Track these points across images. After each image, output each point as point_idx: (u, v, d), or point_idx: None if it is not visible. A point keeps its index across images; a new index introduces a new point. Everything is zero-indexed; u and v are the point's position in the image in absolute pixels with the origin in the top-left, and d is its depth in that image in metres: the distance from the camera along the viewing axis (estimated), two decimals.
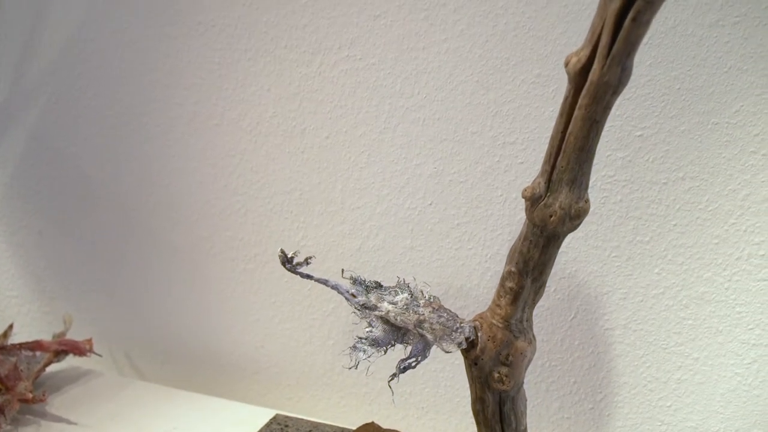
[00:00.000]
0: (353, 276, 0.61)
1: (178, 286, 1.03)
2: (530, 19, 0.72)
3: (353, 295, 0.61)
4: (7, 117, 1.06)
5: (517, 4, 0.71)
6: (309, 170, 0.88)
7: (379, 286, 0.63)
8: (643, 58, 0.68)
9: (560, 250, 0.76)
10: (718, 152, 0.68)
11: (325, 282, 0.61)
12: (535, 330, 0.80)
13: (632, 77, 0.68)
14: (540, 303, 0.79)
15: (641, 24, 0.43)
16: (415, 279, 0.82)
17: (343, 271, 0.59)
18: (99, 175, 1.03)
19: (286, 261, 0.60)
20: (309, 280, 0.63)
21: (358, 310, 0.61)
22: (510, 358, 0.60)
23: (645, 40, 0.67)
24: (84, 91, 0.99)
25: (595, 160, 0.72)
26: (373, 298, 0.61)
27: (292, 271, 0.60)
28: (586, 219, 0.74)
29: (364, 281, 0.62)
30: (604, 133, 0.70)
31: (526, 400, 0.64)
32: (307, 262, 0.60)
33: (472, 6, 0.74)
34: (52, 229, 1.10)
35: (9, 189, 1.10)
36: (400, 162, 0.82)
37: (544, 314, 0.80)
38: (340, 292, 0.61)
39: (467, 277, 0.83)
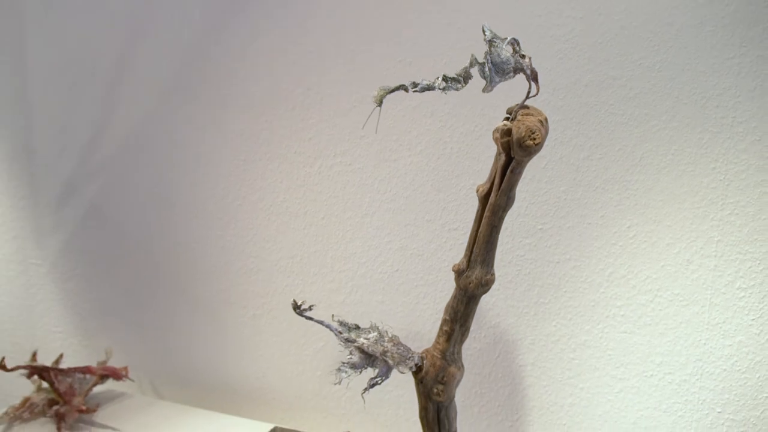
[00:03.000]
0: (340, 320, 0.87)
1: (198, 326, 1.27)
2: (468, 145, 1.01)
3: (340, 332, 0.87)
4: (72, 189, 1.32)
5: (459, 136, 1.01)
6: (308, 242, 1.15)
7: (357, 327, 0.89)
8: (543, 177, 0.97)
9: (487, 307, 1.03)
10: (591, 242, 0.96)
11: (321, 322, 0.87)
12: (469, 366, 1.06)
13: (535, 191, 0.98)
14: (473, 345, 1.06)
15: (516, 174, 0.72)
16: (382, 323, 1.08)
17: (333, 315, 0.85)
18: (141, 238, 1.29)
19: (297, 307, 0.86)
20: (309, 322, 0.89)
21: (343, 342, 0.87)
22: (445, 378, 0.86)
23: (542, 165, 0.97)
24: (135, 171, 1.26)
25: (510, 244, 1.01)
26: (353, 334, 0.87)
27: (300, 314, 0.86)
28: (506, 285, 1.02)
29: (348, 323, 0.88)
30: (518, 225, 0.99)
31: (456, 410, 0.89)
32: (310, 308, 0.86)
33: (428, 134, 1.03)
34: (98, 279, 1.35)
35: (68, 245, 1.35)
36: (375, 239, 1.10)
37: (476, 354, 1.06)
38: (331, 330, 0.87)
39: (422, 324, 1.09)
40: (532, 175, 0.97)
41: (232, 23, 1.15)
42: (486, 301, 1.03)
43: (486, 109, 0.99)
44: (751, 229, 0.88)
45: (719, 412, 0.93)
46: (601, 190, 0.95)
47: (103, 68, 1.26)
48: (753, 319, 0.89)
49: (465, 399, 1.08)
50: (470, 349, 1.06)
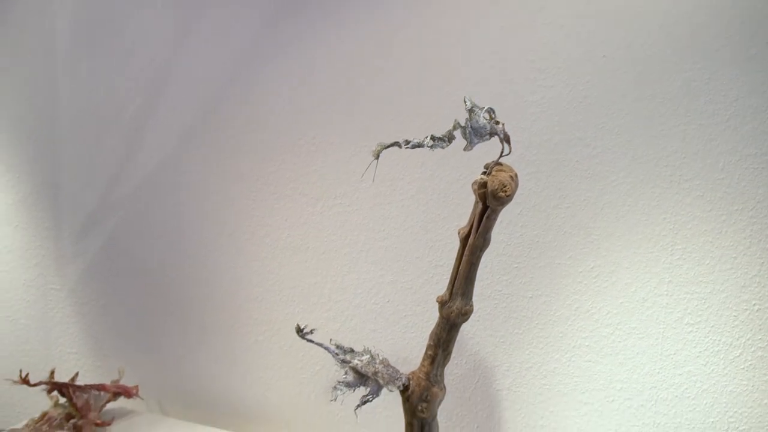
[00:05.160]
0: (337, 343, 0.97)
1: (204, 349, 1.37)
2: (453, 192, 1.13)
3: (337, 354, 0.97)
4: (93, 221, 1.43)
5: (445, 184, 1.13)
6: (308, 274, 1.26)
7: (352, 350, 0.99)
8: (518, 222, 1.09)
9: (467, 336, 1.14)
10: (560, 280, 1.08)
11: (320, 344, 0.97)
12: (451, 389, 1.16)
13: (511, 234, 1.10)
14: (455, 371, 1.16)
15: (491, 219, 0.84)
16: (374, 347, 1.18)
17: (331, 339, 0.95)
18: (154, 267, 1.39)
19: (300, 330, 0.96)
20: (308, 345, 0.99)
21: (339, 363, 0.97)
22: (428, 397, 0.96)
23: (517, 211, 1.09)
24: (153, 206, 1.37)
25: (489, 280, 1.12)
26: (348, 356, 0.97)
27: (302, 337, 0.96)
28: (485, 316, 1.13)
29: (343, 346, 0.99)
30: (496, 263, 1.10)
31: (438, 428, 0.99)
32: (312, 332, 0.97)
33: (419, 181, 1.16)
34: (113, 304, 1.44)
35: (86, 272, 1.45)
36: (369, 272, 1.21)
37: (457, 379, 1.16)
38: (329, 351, 0.97)
39: (410, 351, 1.19)
40: (509, 220, 1.09)
41: (246, 77, 1.28)
42: (467, 330, 1.13)
43: (469, 161, 1.11)
44: (696, 272, 0.99)
45: None
46: (568, 235, 1.07)
47: (127, 113, 1.39)
48: (700, 352, 1.00)
49: (447, 420, 1.18)
50: (452, 374, 1.16)
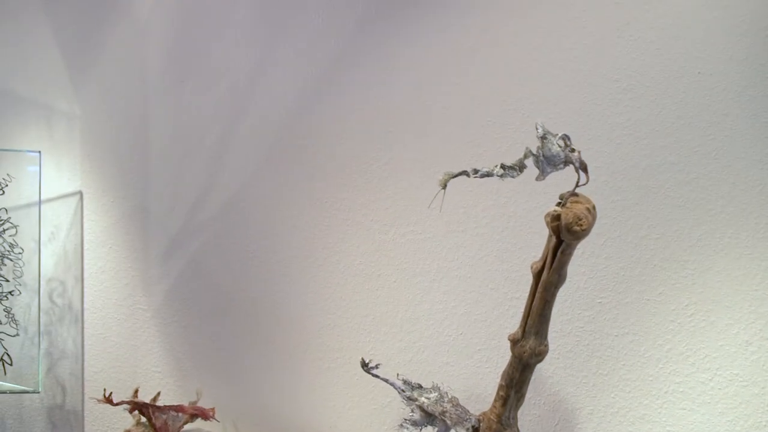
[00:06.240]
0: (404, 378, 0.93)
1: (278, 374, 1.37)
2: (530, 221, 1.07)
3: (403, 391, 0.93)
4: (178, 244, 1.48)
5: (522, 212, 1.07)
6: (380, 302, 1.23)
7: (420, 386, 0.95)
8: (601, 254, 1.01)
9: (546, 374, 1.06)
10: (650, 318, 0.98)
11: (386, 380, 0.94)
12: (529, 431, 1.09)
13: (594, 267, 1.02)
14: (533, 411, 1.08)
15: (566, 254, 0.77)
16: (443, 384, 1.13)
17: (398, 374, 0.91)
18: (232, 291, 1.41)
19: (365, 365, 0.93)
20: (376, 378, 0.95)
21: (405, 400, 0.93)
22: None
23: (601, 242, 1.01)
24: (232, 234, 1.40)
25: (570, 315, 1.04)
26: (415, 393, 0.93)
27: (368, 372, 0.94)
28: (565, 354, 1.05)
29: (411, 382, 0.95)
30: (577, 298, 1.03)
31: None
32: (377, 366, 0.94)
33: (493, 209, 1.10)
34: (193, 326, 1.48)
35: (170, 294, 1.50)
36: (442, 303, 1.16)
37: (535, 420, 1.08)
38: (395, 388, 0.94)
39: (484, 387, 1.13)
40: (591, 251, 1.01)
41: (319, 105, 1.28)
42: (545, 368, 1.06)
43: (547, 187, 1.04)
44: None
45: None
46: (659, 268, 0.97)
47: (209, 142, 1.43)
48: None
49: None
50: (529, 415, 1.08)
